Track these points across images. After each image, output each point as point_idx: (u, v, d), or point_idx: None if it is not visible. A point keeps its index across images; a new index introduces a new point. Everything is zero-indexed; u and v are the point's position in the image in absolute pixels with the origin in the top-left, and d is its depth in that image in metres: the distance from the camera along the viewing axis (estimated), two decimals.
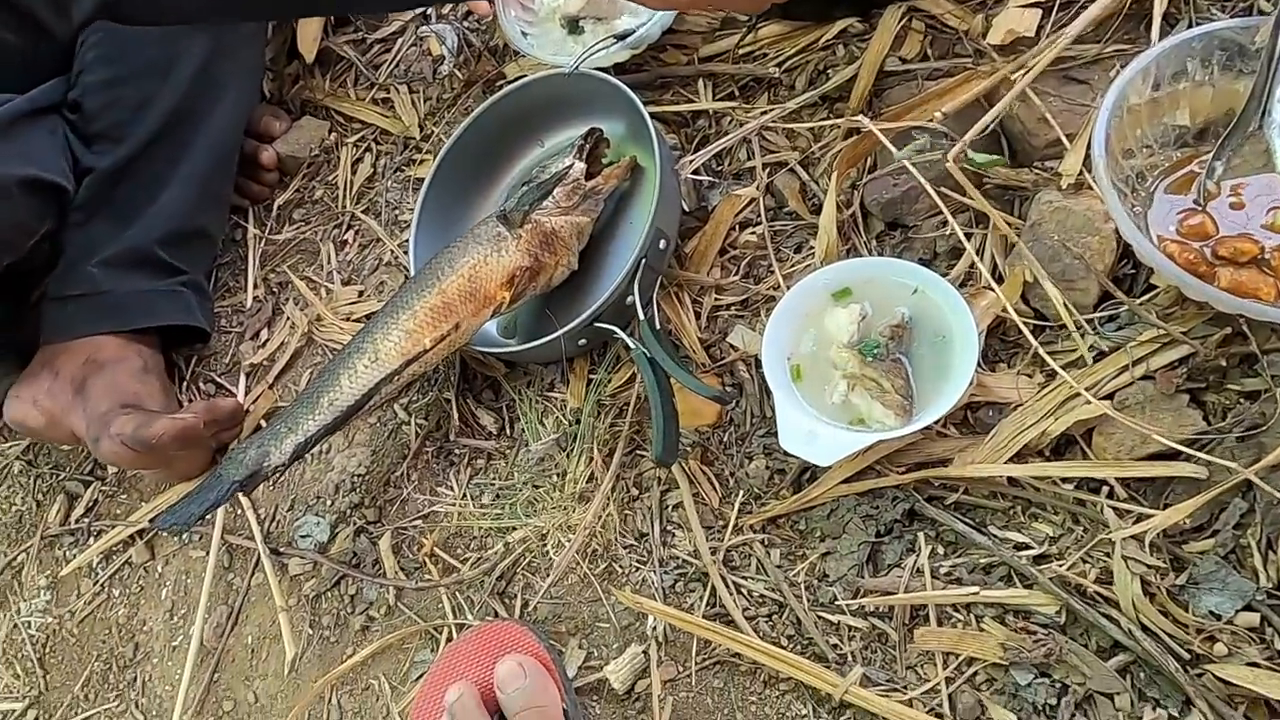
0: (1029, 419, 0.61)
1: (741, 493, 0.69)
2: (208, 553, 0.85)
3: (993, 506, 0.61)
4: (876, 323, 0.67)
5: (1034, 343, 0.61)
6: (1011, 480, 0.61)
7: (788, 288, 0.70)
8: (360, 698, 0.75)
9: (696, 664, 0.65)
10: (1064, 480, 0.60)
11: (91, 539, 0.93)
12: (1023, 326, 0.62)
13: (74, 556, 0.92)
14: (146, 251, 0.87)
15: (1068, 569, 0.58)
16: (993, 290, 0.64)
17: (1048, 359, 0.60)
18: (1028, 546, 0.60)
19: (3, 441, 1.04)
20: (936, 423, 0.63)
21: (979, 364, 0.62)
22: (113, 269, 0.86)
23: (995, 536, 0.61)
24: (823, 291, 0.69)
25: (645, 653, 0.67)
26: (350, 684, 0.76)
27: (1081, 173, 0.64)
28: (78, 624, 0.90)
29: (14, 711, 0.89)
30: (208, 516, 0.77)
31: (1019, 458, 0.61)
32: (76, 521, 0.94)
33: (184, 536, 0.87)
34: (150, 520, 0.89)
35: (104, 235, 0.86)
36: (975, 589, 0.59)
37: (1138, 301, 0.61)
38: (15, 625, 0.93)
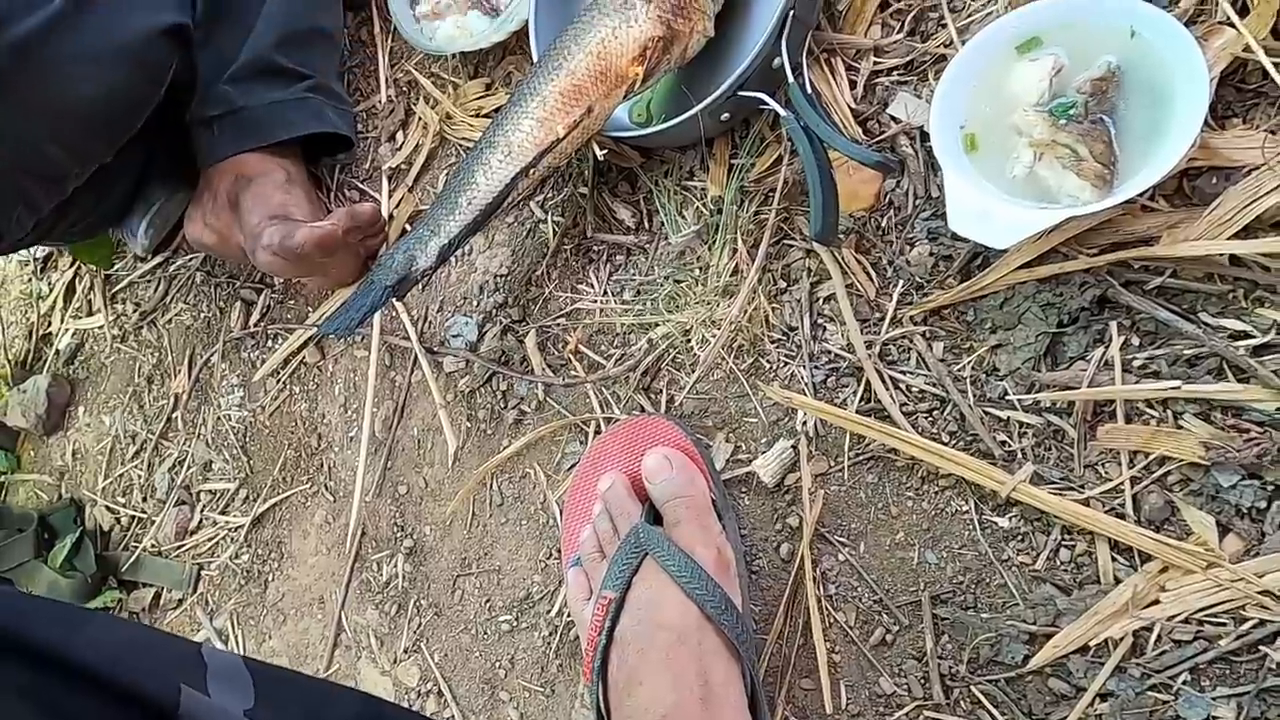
0: (1265, 184, 0.50)
1: (901, 282, 0.63)
2: (370, 352, 0.89)
3: (1206, 291, 0.53)
4: (1074, 77, 0.56)
5: None
6: (1234, 260, 0.52)
7: (963, 43, 0.60)
8: (518, 484, 0.79)
9: (849, 459, 0.63)
10: None
11: (270, 342, 1.00)
12: (1270, 68, 0.50)
13: (256, 357, 1.00)
14: (267, 59, 0.85)
15: None
16: (1233, 25, 0.52)
17: None
18: (1247, 335, 0.51)
19: (186, 254, 1.11)
20: (1144, 194, 0.53)
21: (1206, 120, 0.51)
22: (242, 83, 0.85)
23: (1206, 325, 0.52)
24: (1007, 44, 0.58)
25: (795, 447, 0.65)
26: (509, 472, 0.79)
27: None
28: (269, 417, 0.99)
29: (230, 489, 1.01)
30: (367, 320, 0.80)
31: (1247, 232, 0.51)
32: (255, 326, 1.02)
33: (348, 338, 0.92)
34: (316, 326, 0.94)
35: (226, 49, 0.85)
36: (1176, 383, 0.52)
37: None
38: (219, 417, 1.03)
